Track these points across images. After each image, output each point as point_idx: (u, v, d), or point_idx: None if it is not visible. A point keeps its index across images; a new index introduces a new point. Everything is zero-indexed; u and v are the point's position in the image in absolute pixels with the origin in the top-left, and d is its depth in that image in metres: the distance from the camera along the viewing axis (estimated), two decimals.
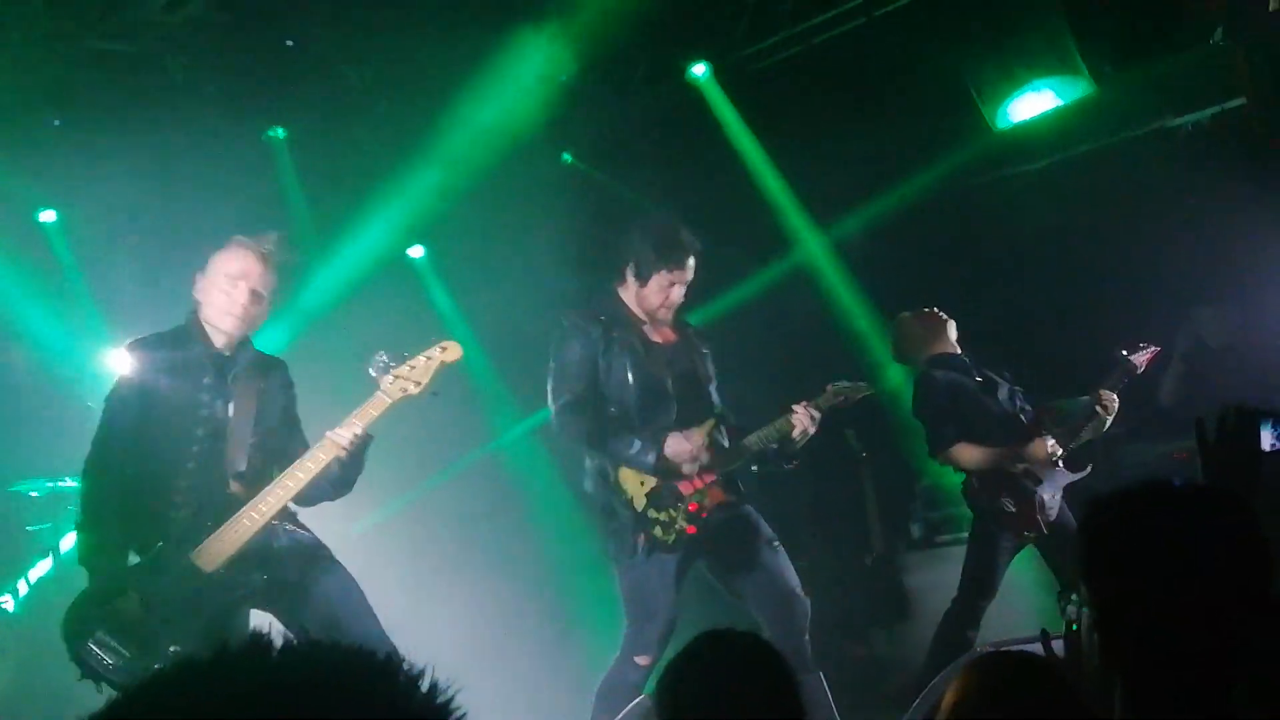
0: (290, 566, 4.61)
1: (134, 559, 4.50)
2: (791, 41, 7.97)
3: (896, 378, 7.44)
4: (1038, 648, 2.66)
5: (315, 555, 4.72)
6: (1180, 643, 1.86)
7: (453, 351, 4.69)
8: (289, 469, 4.55)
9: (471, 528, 8.21)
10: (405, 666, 0.97)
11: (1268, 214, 6.90)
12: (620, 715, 4.87)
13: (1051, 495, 5.99)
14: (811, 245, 8.85)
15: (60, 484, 6.84)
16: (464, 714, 0.98)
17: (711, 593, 5.49)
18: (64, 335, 7.57)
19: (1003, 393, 6.24)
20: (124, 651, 4.29)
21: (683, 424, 5.22)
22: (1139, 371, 6.17)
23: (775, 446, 5.32)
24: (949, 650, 5.72)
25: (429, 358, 4.64)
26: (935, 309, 6.45)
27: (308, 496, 4.69)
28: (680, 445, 5.11)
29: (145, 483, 4.51)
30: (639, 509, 5.04)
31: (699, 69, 8.15)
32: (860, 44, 7.65)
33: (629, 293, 5.37)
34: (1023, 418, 6.20)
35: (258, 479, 4.64)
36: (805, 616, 5.22)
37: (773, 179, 8.67)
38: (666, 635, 5.05)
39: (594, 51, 7.43)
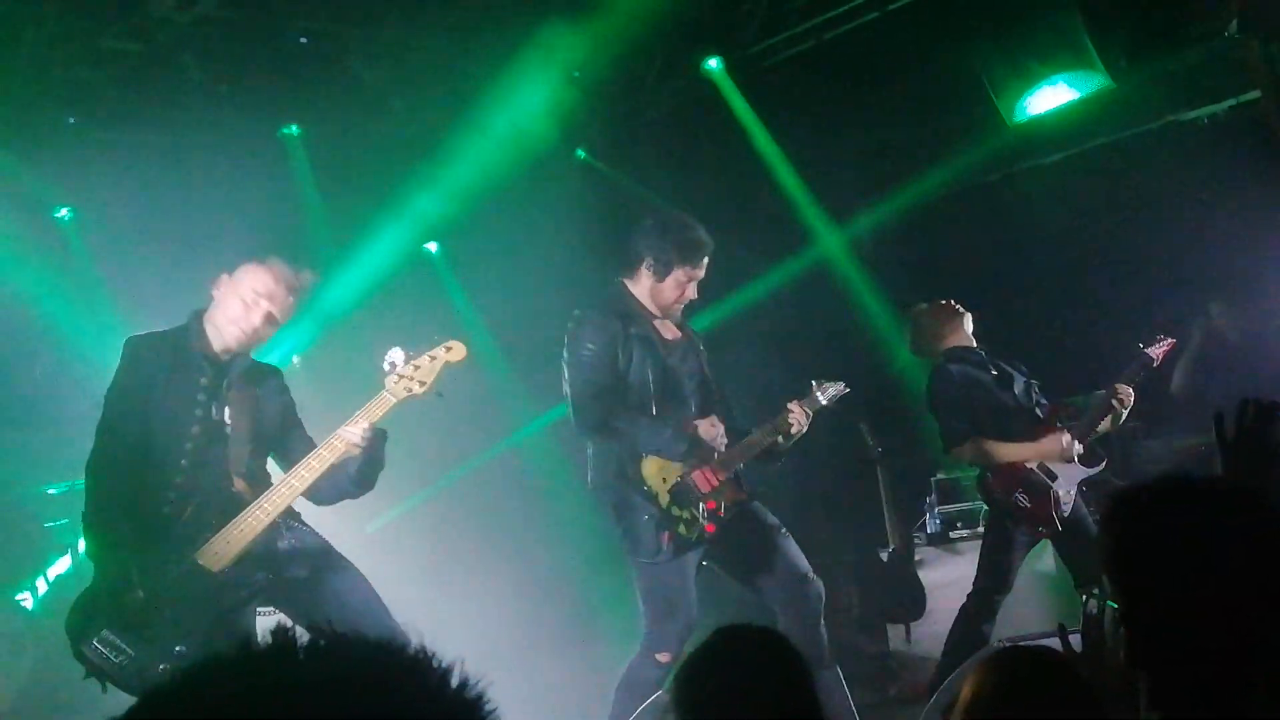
0: (297, 564, 4.61)
1: (140, 557, 4.48)
2: (804, 37, 7.96)
3: (911, 371, 7.43)
4: (1055, 642, 2.66)
5: (322, 552, 4.73)
6: (1199, 639, 1.86)
7: (457, 351, 4.68)
8: (294, 467, 4.57)
9: (487, 524, 8.23)
10: (436, 661, 0.96)
11: None
12: (637, 711, 4.88)
13: (1066, 491, 5.97)
14: (826, 241, 8.84)
15: (79, 483, 6.85)
16: (496, 709, 0.97)
17: (723, 588, 5.49)
18: (83, 332, 7.59)
19: (1018, 386, 6.22)
20: (129, 650, 4.29)
21: (698, 419, 5.22)
22: (1155, 365, 6.16)
23: (771, 444, 5.32)
24: (965, 645, 5.71)
25: (433, 358, 4.63)
26: (952, 301, 6.42)
27: (326, 494, 4.70)
28: (712, 428, 5.14)
29: (142, 480, 4.50)
30: (664, 505, 5.03)
31: (713, 63, 8.15)
32: (873, 39, 7.64)
33: (640, 287, 5.35)
34: (1038, 412, 6.18)
35: (260, 479, 4.67)
36: (820, 600, 5.23)
37: (786, 175, 8.67)
38: (687, 631, 5.05)
39: (607, 48, 7.42)
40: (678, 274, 5.27)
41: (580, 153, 9.06)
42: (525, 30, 7.25)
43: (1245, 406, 2.55)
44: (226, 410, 4.63)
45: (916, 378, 6.52)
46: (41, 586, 7.17)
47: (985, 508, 6.35)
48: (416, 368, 4.59)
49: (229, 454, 4.60)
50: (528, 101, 7.63)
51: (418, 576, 7.16)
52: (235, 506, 4.49)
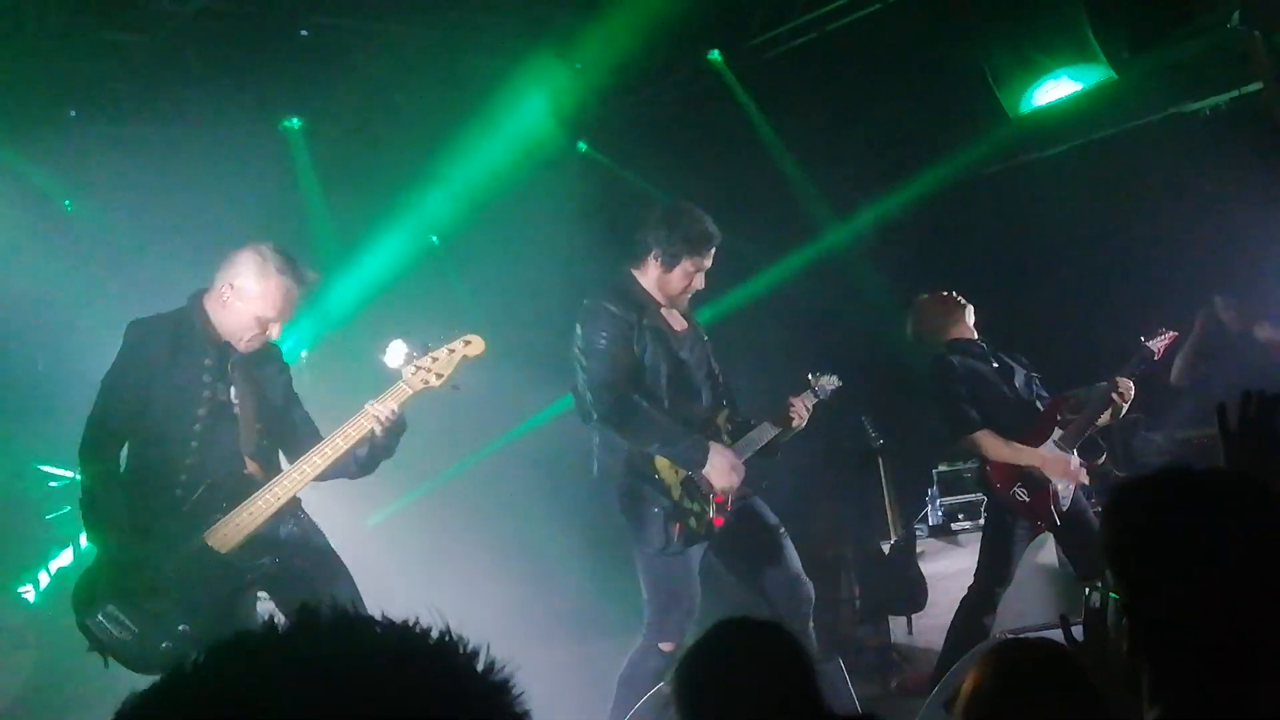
0: (299, 554, 4.61)
1: (148, 536, 4.46)
2: (807, 29, 7.94)
3: (914, 363, 7.43)
4: (1056, 634, 2.65)
5: (321, 547, 4.73)
6: (1201, 631, 1.85)
7: (475, 346, 4.66)
8: (317, 445, 4.53)
9: (489, 518, 8.22)
10: (462, 642, 0.95)
11: None
12: (638, 704, 4.89)
13: (1065, 485, 5.97)
14: (829, 233, 8.84)
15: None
16: (523, 692, 0.95)
17: (724, 580, 5.50)
18: (84, 326, 7.58)
19: (1019, 379, 6.21)
20: (133, 626, 4.28)
21: (709, 411, 5.26)
22: (1156, 358, 6.16)
23: (774, 437, 5.32)
24: (966, 637, 5.72)
25: (452, 350, 4.61)
26: (953, 292, 6.42)
27: (326, 473, 4.63)
28: (724, 472, 5.07)
29: (149, 461, 4.49)
30: (675, 498, 5.04)
31: (716, 55, 8.14)
32: (875, 31, 7.63)
33: (648, 277, 5.32)
34: (1039, 404, 6.17)
35: (272, 461, 4.66)
36: (809, 601, 5.26)
37: (789, 167, 8.66)
38: (689, 622, 5.06)
39: (610, 41, 7.41)
40: (685, 264, 5.26)
41: (582, 145, 9.05)
42: (527, 23, 7.25)
43: (1248, 398, 2.55)
44: (232, 390, 4.61)
45: (919, 370, 6.50)
46: (44, 579, 7.16)
47: (986, 499, 6.36)
48: (435, 360, 4.58)
49: (239, 435, 4.58)
50: (529, 95, 7.63)
51: (419, 569, 7.17)
52: (247, 489, 4.48)
